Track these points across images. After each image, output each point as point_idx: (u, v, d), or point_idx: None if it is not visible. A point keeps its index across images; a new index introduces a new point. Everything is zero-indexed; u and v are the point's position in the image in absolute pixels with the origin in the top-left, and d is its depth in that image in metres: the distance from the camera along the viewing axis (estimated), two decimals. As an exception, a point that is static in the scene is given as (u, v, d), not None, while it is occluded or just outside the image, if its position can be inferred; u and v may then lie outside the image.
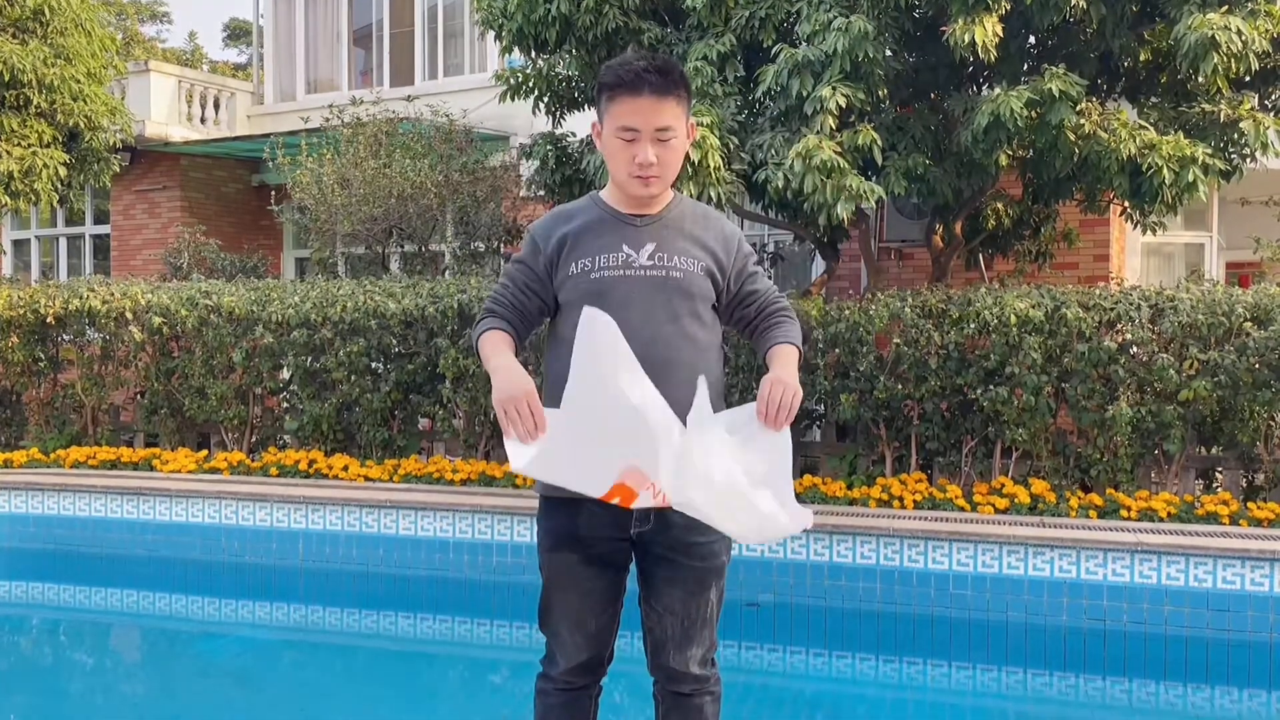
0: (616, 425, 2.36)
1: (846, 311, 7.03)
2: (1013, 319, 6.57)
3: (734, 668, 5.38)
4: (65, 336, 9.26)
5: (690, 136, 2.63)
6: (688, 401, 2.45)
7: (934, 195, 7.15)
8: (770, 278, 11.44)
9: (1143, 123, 6.71)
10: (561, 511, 2.62)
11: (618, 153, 2.55)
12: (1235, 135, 6.84)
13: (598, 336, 2.37)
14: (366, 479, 7.67)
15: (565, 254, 2.63)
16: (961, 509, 6.46)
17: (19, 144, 9.87)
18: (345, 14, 14.90)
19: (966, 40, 6.16)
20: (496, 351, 2.63)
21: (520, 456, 2.39)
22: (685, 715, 2.69)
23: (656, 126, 2.50)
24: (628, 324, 2.46)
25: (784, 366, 2.64)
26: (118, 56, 11.21)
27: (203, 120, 14.57)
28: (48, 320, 8.92)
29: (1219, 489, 7.14)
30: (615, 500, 2.40)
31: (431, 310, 7.98)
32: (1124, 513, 6.31)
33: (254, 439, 8.87)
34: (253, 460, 8.35)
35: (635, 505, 2.41)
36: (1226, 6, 6.25)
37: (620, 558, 2.65)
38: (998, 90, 6.41)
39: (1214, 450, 7.05)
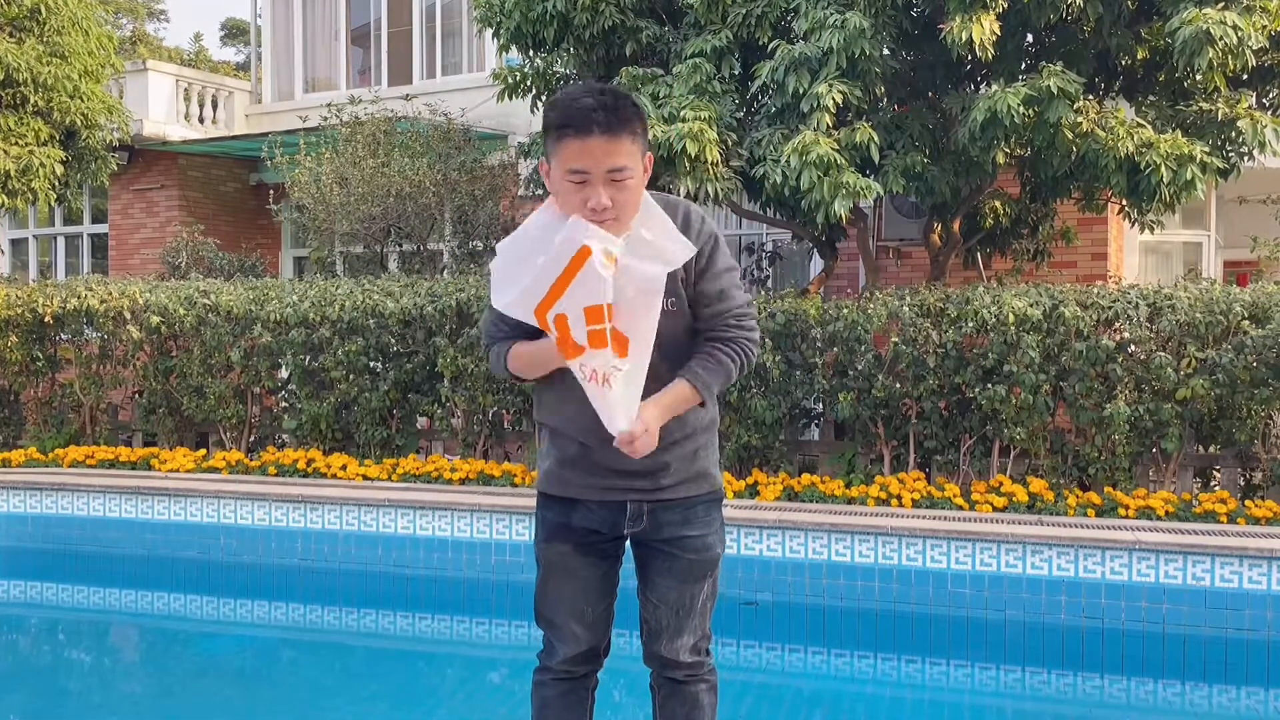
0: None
1: (845, 310, 7.03)
2: (1011, 317, 6.58)
3: (732, 666, 5.38)
4: (63, 336, 9.25)
5: (647, 171, 2.43)
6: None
7: (932, 194, 7.16)
8: (768, 277, 11.35)
9: (1140, 121, 6.71)
10: (556, 506, 2.67)
11: (568, 195, 2.35)
12: (1233, 133, 6.85)
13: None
14: (365, 478, 7.67)
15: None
16: (960, 508, 6.47)
17: (16, 142, 9.86)
18: (343, 13, 14.87)
19: (964, 38, 6.16)
20: (540, 346, 2.50)
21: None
22: (682, 701, 2.72)
23: (608, 168, 2.30)
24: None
25: (655, 403, 2.45)
26: (115, 55, 11.17)
27: (201, 119, 14.55)
28: (45, 319, 8.91)
29: (1217, 487, 7.14)
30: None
31: (430, 309, 7.98)
32: (1122, 511, 6.31)
33: (252, 438, 8.86)
34: (251, 459, 8.35)
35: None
36: (1223, 3, 6.25)
37: (614, 550, 2.70)
38: (995, 88, 6.41)
39: (1212, 449, 7.06)
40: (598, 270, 2.28)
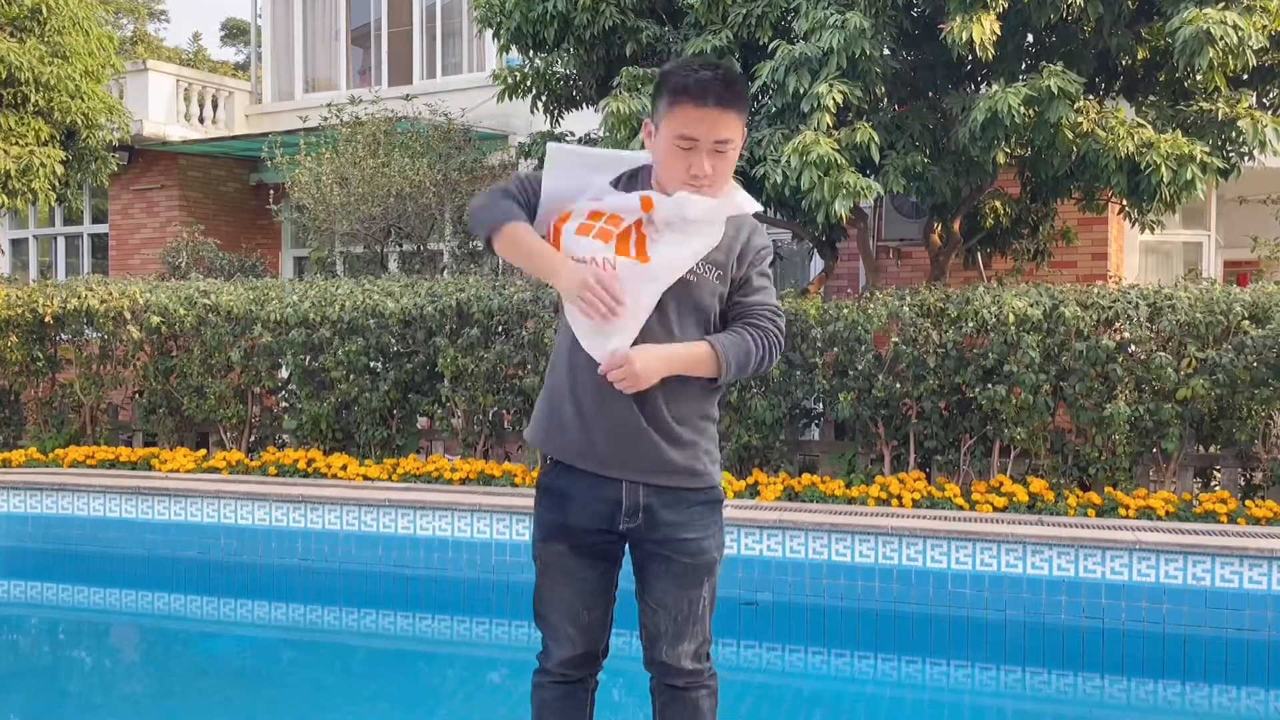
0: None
1: (845, 310, 7.03)
2: (1011, 317, 6.58)
3: (732, 666, 5.38)
4: (63, 336, 9.25)
5: (741, 145, 2.55)
6: (672, 413, 2.54)
7: (932, 194, 7.16)
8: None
9: (1141, 121, 6.71)
10: (553, 502, 2.65)
11: (672, 159, 2.48)
12: (1233, 133, 6.85)
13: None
14: (365, 478, 7.67)
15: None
16: (960, 508, 6.47)
17: (16, 142, 9.86)
18: (343, 13, 14.88)
19: (964, 38, 6.16)
20: (538, 240, 2.54)
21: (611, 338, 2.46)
22: (682, 708, 2.71)
23: (716, 139, 2.44)
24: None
25: (665, 349, 2.51)
26: (116, 55, 11.18)
27: (201, 119, 14.56)
28: (46, 319, 8.91)
29: (1217, 487, 7.14)
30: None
31: (430, 309, 7.98)
32: (1122, 511, 6.31)
33: (252, 438, 8.86)
34: (251, 459, 8.35)
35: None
36: (1223, 3, 6.25)
37: (611, 550, 2.67)
38: (995, 87, 6.42)
39: (1212, 449, 7.06)
40: (628, 198, 2.47)
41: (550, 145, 2.64)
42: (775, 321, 2.60)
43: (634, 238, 2.48)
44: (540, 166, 2.67)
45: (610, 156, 2.65)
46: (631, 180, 2.60)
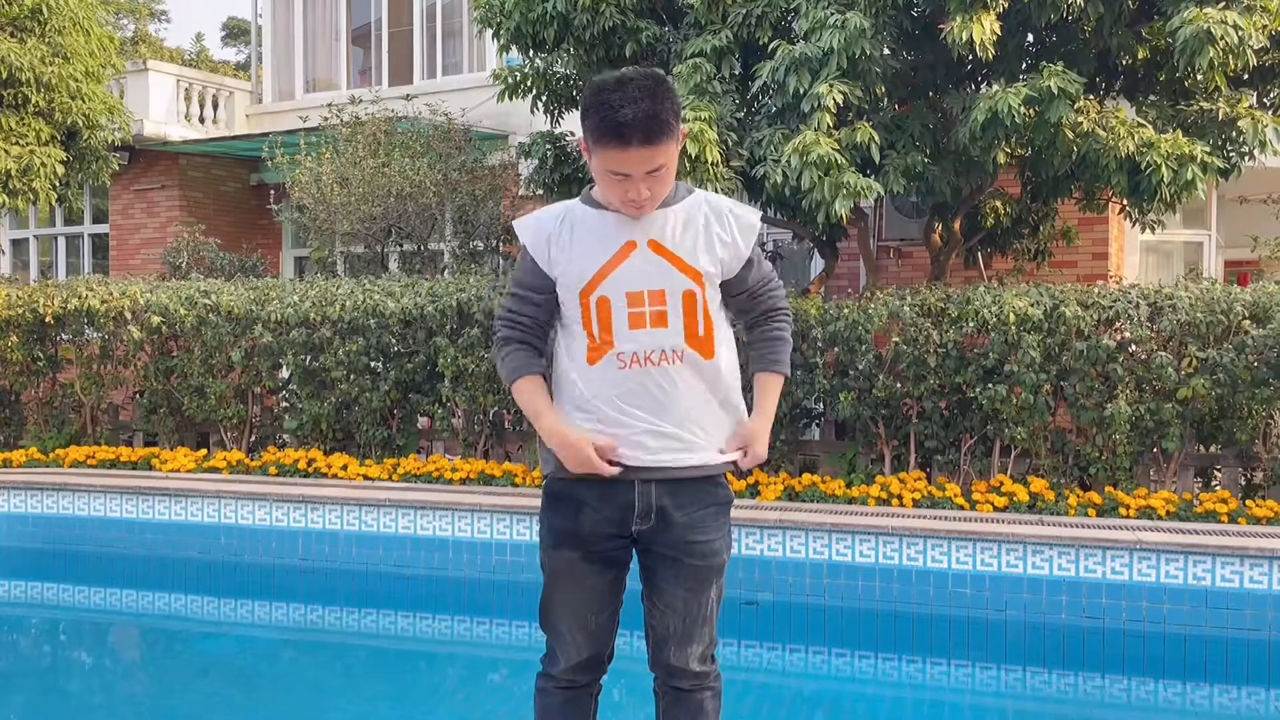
0: None
1: (845, 310, 7.03)
2: (1011, 317, 6.58)
3: (733, 666, 5.38)
4: (64, 336, 9.26)
5: (680, 142, 2.50)
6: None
7: (933, 193, 7.16)
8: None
9: (1141, 120, 6.71)
10: (564, 509, 2.62)
11: (608, 187, 2.48)
12: (1233, 133, 6.85)
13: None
14: (365, 478, 7.67)
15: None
16: (960, 507, 6.47)
17: (17, 142, 9.86)
18: (344, 13, 14.88)
19: (964, 38, 6.16)
20: (540, 407, 2.60)
21: None
22: (686, 710, 2.70)
23: (648, 170, 2.41)
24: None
25: (764, 415, 2.68)
26: (116, 55, 11.18)
27: (201, 119, 14.56)
28: (46, 319, 8.91)
29: (1217, 487, 7.14)
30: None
31: (430, 309, 7.98)
32: (1123, 511, 6.31)
33: (253, 438, 8.86)
34: (252, 459, 8.35)
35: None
36: (1224, 3, 6.25)
37: (621, 555, 2.65)
38: (995, 87, 6.41)
39: (1212, 448, 7.05)
40: (641, 261, 2.50)
41: (515, 224, 2.66)
42: (782, 298, 2.75)
43: (694, 310, 2.53)
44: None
45: (559, 207, 2.63)
46: (588, 199, 2.59)
